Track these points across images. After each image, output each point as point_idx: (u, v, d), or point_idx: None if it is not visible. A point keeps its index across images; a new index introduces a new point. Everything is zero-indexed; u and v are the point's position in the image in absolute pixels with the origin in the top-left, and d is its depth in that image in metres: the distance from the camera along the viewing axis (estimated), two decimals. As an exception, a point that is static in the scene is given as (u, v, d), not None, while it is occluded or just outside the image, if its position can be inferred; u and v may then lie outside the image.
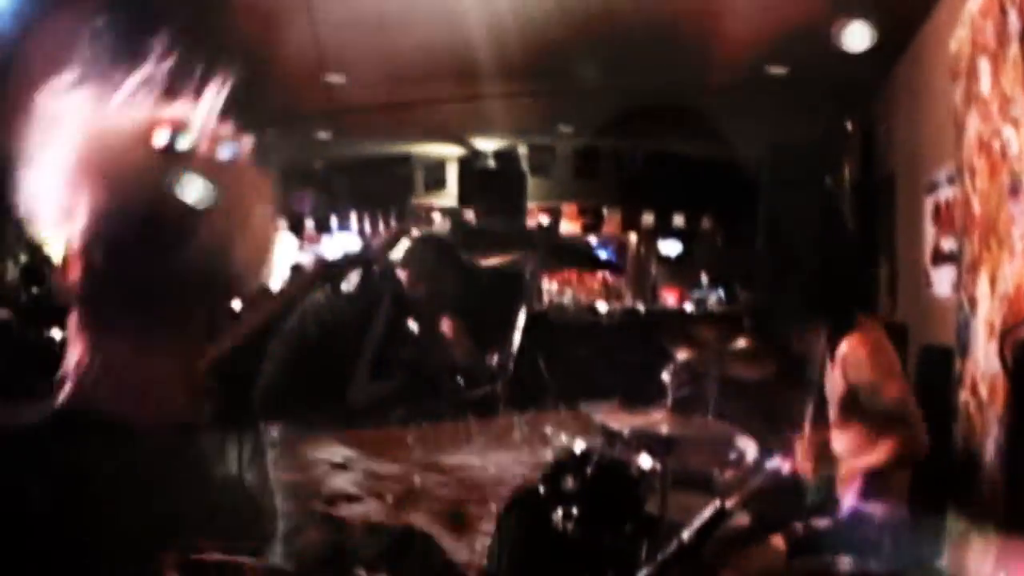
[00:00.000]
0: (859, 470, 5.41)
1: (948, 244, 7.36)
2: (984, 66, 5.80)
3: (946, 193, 7.42)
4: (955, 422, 6.23)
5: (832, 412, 5.64)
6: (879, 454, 5.35)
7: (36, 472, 1.80)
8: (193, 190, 2.01)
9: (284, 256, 17.93)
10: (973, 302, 6.08)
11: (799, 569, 5.14)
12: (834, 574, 5.03)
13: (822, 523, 5.34)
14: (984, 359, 5.80)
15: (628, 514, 5.27)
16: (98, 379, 1.92)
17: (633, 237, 19.61)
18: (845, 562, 5.06)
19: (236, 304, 2.13)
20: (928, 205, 8.06)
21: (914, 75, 9.09)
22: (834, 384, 5.62)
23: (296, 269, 16.31)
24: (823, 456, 5.73)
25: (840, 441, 5.58)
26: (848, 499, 5.36)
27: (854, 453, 5.48)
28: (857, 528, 5.21)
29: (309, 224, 19.12)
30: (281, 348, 6.33)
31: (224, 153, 2.14)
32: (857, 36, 8.77)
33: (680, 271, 18.87)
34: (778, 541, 5.27)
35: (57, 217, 1.94)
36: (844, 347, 5.49)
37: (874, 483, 5.36)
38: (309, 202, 18.37)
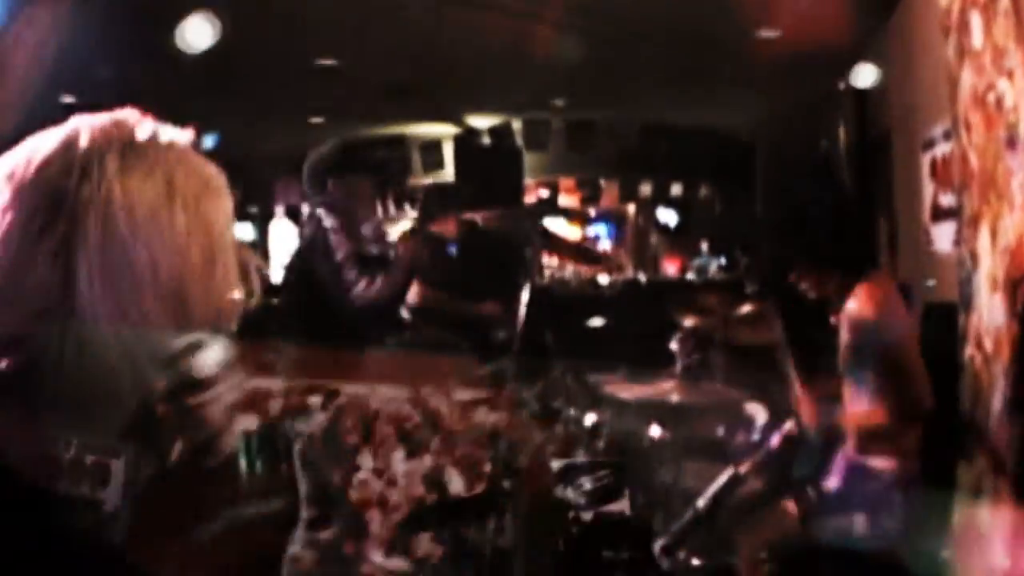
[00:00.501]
0: (859, 428, 5.41)
1: (947, 200, 7.36)
2: (975, 19, 5.78)
3: (943, 149, 7.41)
4: (961, 377, 6.23)
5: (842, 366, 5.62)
6: (879, 413, 5.36)
7: None
8: None
9: (285, 243, 17.92)
10: (975, 257, 6.08)
11: (813, 534, 5.16)
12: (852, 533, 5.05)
13: (833, 484, 5.35)
14: (988, 313, 5.80)
15: (641, 485, 5.29)
16: None
17: (631, 208, 19.63)
18: (859, 522, 5.07)
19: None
20: (925, 162, 8.06)
21: (905, 31, 9.08)
22: (842, 338, 5.60)
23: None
24: (824, 410, 5.72)
25: (848, 397, 5.56)
26: (843, 456, 5.35)
27: (858, 410, 5.47)
28: (867, 487, 5.21)
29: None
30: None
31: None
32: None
33: (680, 240, 18.88)
34: (790, 505, 5.29)
35: None
36: (851, 300, 5.47)
37: (875, 439, 5.35)
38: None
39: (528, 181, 17.37)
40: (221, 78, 11.18)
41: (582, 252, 13.10)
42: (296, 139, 16.55)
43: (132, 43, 9.41)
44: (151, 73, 10.58)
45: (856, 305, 5.43)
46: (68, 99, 11.56)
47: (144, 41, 9.53)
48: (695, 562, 4.80)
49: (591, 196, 18.88)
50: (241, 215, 19.01)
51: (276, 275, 14.41)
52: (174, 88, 10.76)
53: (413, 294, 7.13)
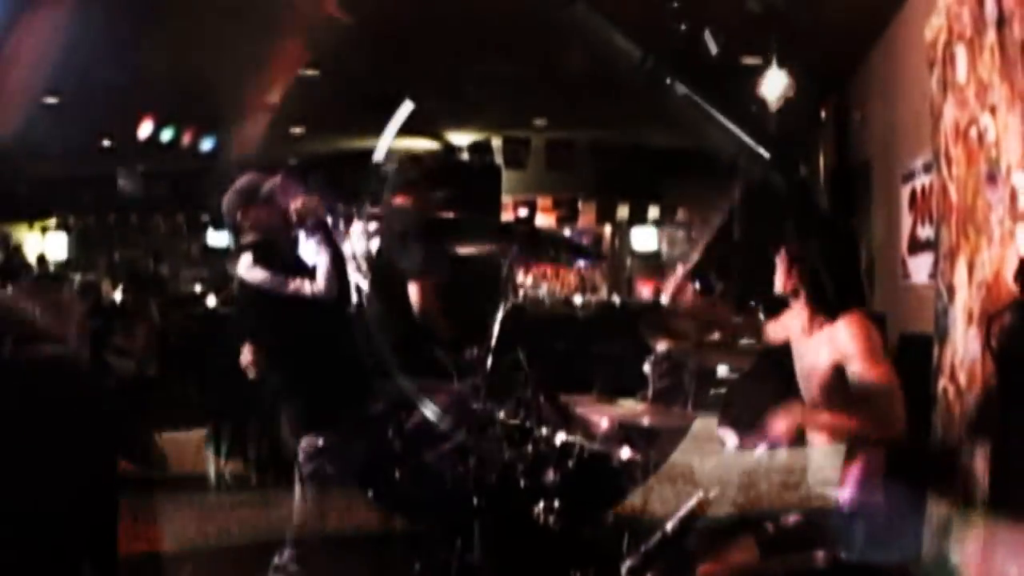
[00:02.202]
0: (854, 460, 5.35)
1: (925, 232, 7.37)
2: (960, 53, 5.80)
3: (923, 181, 7.42)
4: (934, 410, 6.23)
5: (809, 393, 5.49)
6: (853, 422, 5.27)
7: None
8: None
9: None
10: (951, 290, 6.09)
11: (773, 567, 5.13)
12: (812, 568, 5.02)
13: (791, 519, 5.32)
14: (963, 346, 5.81)
15: (609, 506, 5.26)
16: None
17: (608, 229, 19.64)
18: (819, 557, 5.04)
19: None
20: (905, 193, 8.07)
21: (889, 62, 9.10)
22: (815, 363, 5.46)
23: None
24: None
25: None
26: (848, 490, 5.29)
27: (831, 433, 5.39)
28: (828, 520, 5.18)
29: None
30: None
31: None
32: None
33: (655, 263, 18.88)
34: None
35: None
36: (836, 327, 5.34)
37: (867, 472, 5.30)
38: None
39: (506, 199, 17.36)
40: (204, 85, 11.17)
41: (571, 247, 13.06)
42: (276, 148, 16.55)
43: (119, 49, 9.39)
44: (136, 80, 10.58)
45: (838, 334, 5.33)
46: (51, 100, 11.55)
47: (131, 46, 9.52)
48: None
49: (569, 216, 18.85)
50: (218, 222, 18.98)
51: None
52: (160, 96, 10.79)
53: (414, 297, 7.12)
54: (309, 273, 6.83)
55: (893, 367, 5.39)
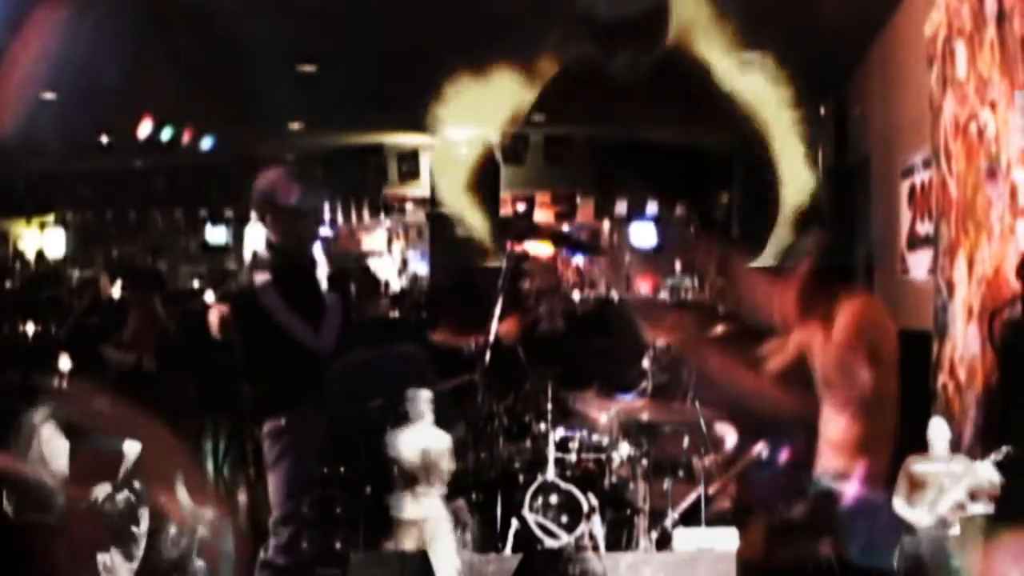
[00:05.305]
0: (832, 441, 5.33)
1: (924, 228, 7.36)
2: (960, 49, 5.80)
3: (922, 176, 7.42)
4: (933, 406, 6.23)
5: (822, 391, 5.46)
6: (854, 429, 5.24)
7: None
8: None
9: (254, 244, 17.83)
10: (951, 286, 6.09)
11: (778, 557, 5.13)
12: (816, 558, 5.02)
13: (795, 510, 5.32)
14: (962, 342, 5.80)
15: (610, 502, 5.26)
16: None
17: (606, 225, 19.59)
18: (823, 548, 5.05)
19: None
20: (904, 189, 8.06)
21: (888, 58, 9.09)
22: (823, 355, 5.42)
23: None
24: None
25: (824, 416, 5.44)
26: (852, 488, 5.27)
27: (833, 436, 5.39)
28: (831, 511, 5.19)
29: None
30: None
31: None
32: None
33: (654, 259, 18.85)
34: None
35: None
36: (839, 315, 5.30)
37: (844, 453, 5.28)
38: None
39: (504, 194, 17.33)
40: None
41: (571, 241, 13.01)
42: (274, 144, 16.53)
43: (116, 45, 9.38)
44: (134, 76, 10.56)
45: (837, 323, 5.30)
46: (49, 96, 11.54)
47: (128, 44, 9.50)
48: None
49: (567, 211, 18.80)
50: (216, 218, 19.00)
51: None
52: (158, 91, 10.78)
53: None
54: (314, 319, 6.44)
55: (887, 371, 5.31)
